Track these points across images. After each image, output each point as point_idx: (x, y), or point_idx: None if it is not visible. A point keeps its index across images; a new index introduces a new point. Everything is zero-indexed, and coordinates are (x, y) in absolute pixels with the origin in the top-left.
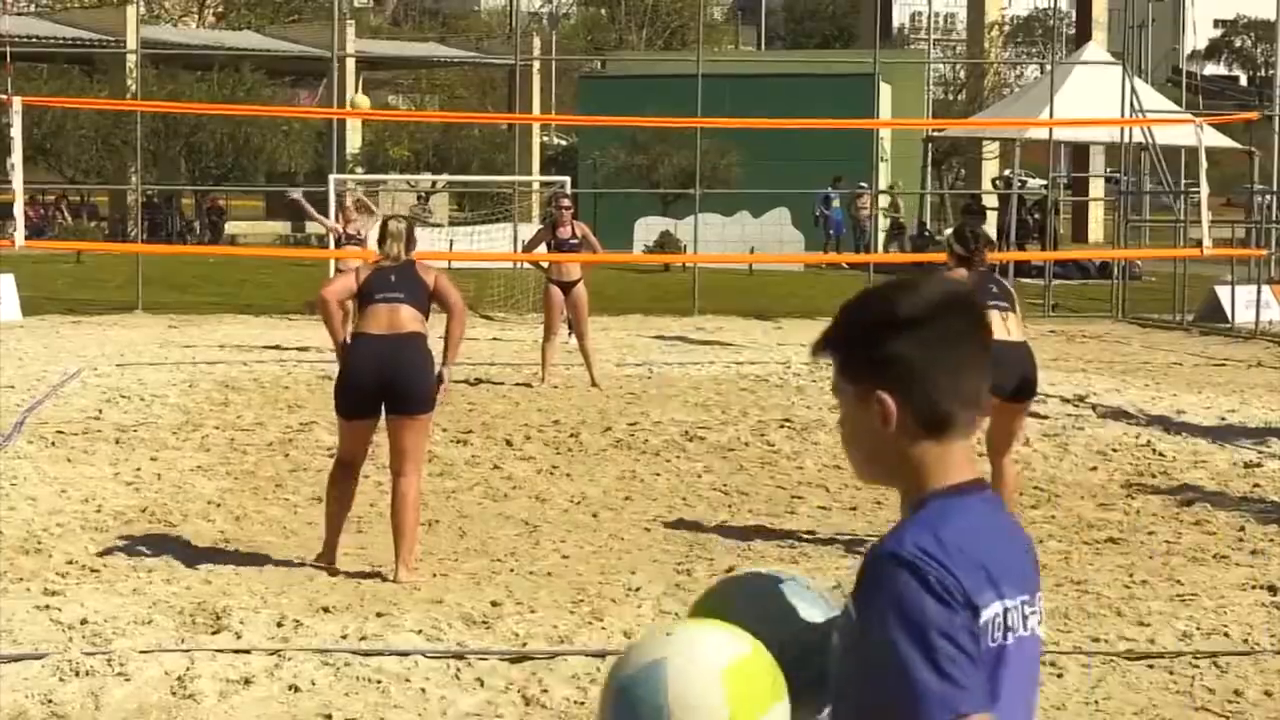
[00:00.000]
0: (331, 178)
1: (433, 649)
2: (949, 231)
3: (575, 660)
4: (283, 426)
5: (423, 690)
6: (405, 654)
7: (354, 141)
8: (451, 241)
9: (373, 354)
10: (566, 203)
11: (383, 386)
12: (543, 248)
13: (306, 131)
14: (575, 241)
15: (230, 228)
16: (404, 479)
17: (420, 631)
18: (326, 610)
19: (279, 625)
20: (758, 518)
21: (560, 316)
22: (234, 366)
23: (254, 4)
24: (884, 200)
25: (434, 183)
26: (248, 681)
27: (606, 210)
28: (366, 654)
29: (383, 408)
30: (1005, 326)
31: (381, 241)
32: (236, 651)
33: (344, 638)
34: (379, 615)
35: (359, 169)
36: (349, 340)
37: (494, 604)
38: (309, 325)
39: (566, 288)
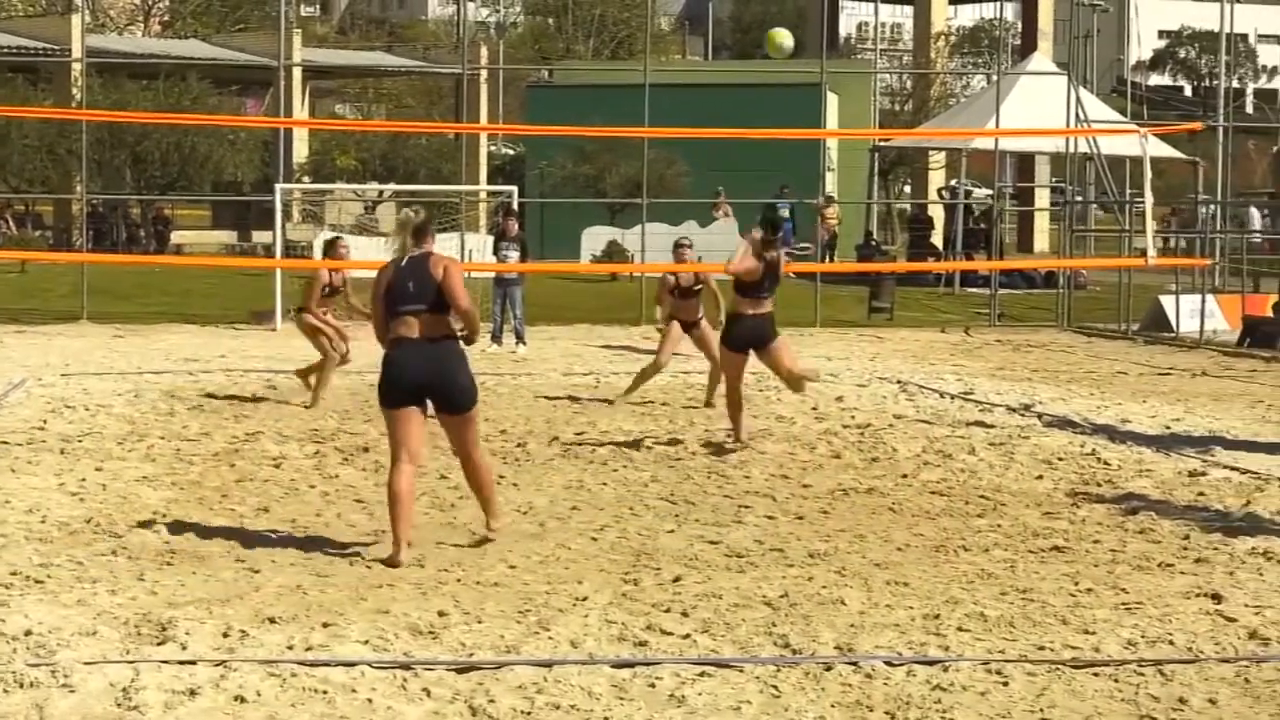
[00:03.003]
0: (278, 187)
1: (379, 659)
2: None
3: (522, 670)
4: (229, 437)
5: (369, 701)
6: (352, 664)
7: (300, 151)
8: None
9: (411, 357)
10: (687, 251)
11: (424, 389)
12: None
13: (253, 141)
14: (698, 288)
15: (176, 237)
16: (470, 461)
17: (367, 642)
18: (272, 621)
19: (225, 636)
20: (704, 527)
21: (672, 350)
22: (180, 376)
23: (200, 13)
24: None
25: (381, 192)
26: (193, 693)
27: (554, 220)
28: (313, 664)
29: (428, 404)
30: None
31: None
32: (182, 663)
33: (290, 648)
34: (325, 626)
35: (305, 178)
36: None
37: (441, 614)
38: (255, 335)
39: (689, 327)
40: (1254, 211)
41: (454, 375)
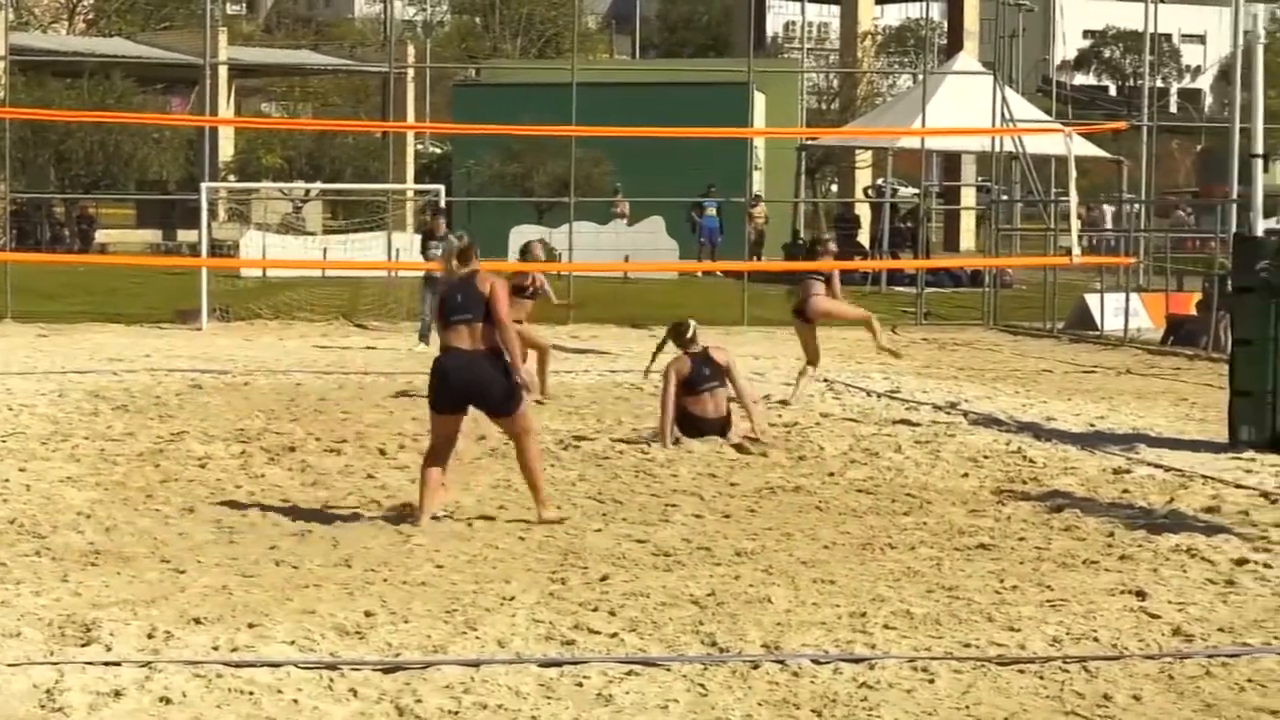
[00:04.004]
0: (203, 186)
1: (305, 660)
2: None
3: (449, 670)
4: (153, 437)
5: (295, 701)
6: (277, 665)
7: (226, 150)
8: (325, 250)
9: (458, 366)
10: (833, 247)
11: (469, 395)
12: (820, 286)
13: (178, 139)
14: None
15: (101, 236)
16: (519, 447)
17: (293, 642)
18: (198, 621)
19: (149, 637)
20: (632, 526)
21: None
22: (104, 376)
23: (125, 11)
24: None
25: (307, 191)
26: (118, 694)
27: (481, 219)
28: (238, 665)
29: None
30: None
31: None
32: (106, 664)
33: (215, 649)
34: (251, 626)
35: (231, 177)
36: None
37: (367, 614)
38: (181, 334)
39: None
40: (1106, 209)
41: (492, 383)
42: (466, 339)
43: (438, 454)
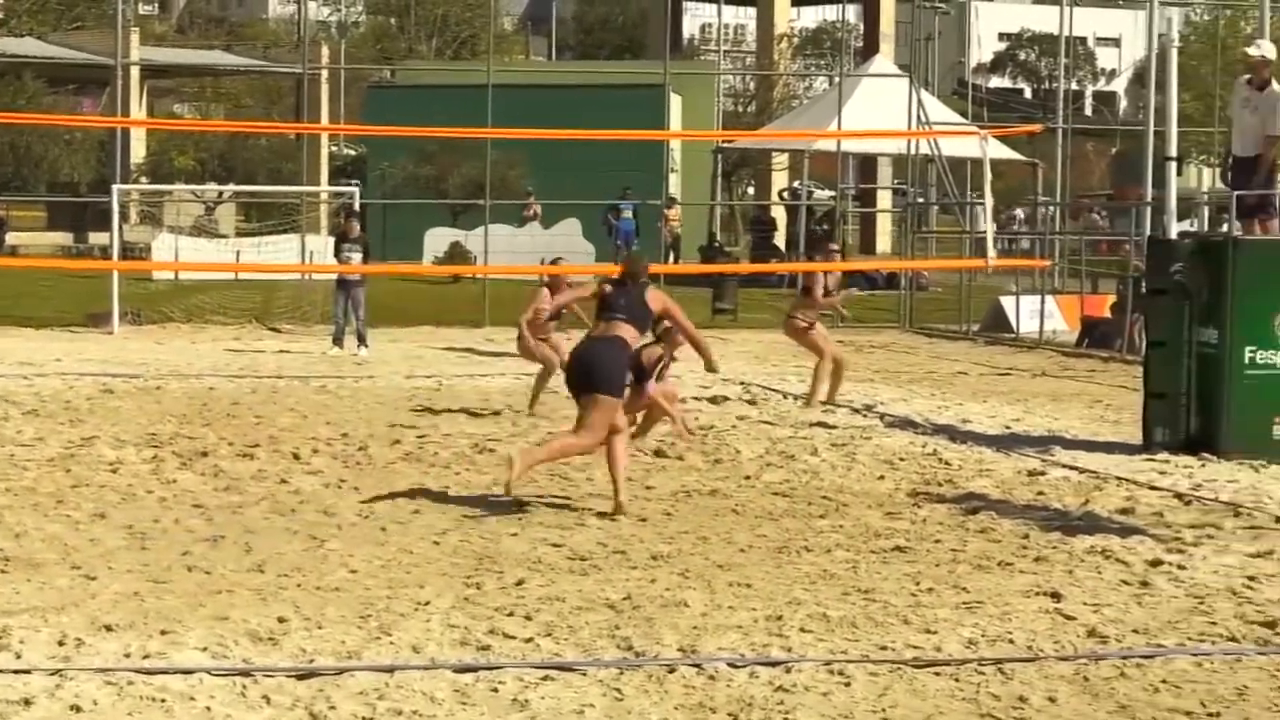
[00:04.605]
0: (115, 188)
1: (218, 666)
2: None
3: (363, 676)
4: (64, 442)
5: (208, 709)
6: (189, 672)
7: (138, 151)
8: (238, 253)
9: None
10: (835, 246)
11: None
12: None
13: (89, 141)
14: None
15: (11, 238)
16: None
17: (205, 649)
18: (109, 629)
19: (60, 644)
20: (548, 530)
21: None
22: (14, 380)
23: (35, 10)
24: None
25: (220, 193)
26: (28, 702)
27: (396, 221)
28: (150, 673)
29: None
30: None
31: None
32: (16, 672)
33: (127, 656)
34: (163, 633)
35: (143, 179)
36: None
37: (281, 620)
38: (92, 338)
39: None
40: (1019, 213)
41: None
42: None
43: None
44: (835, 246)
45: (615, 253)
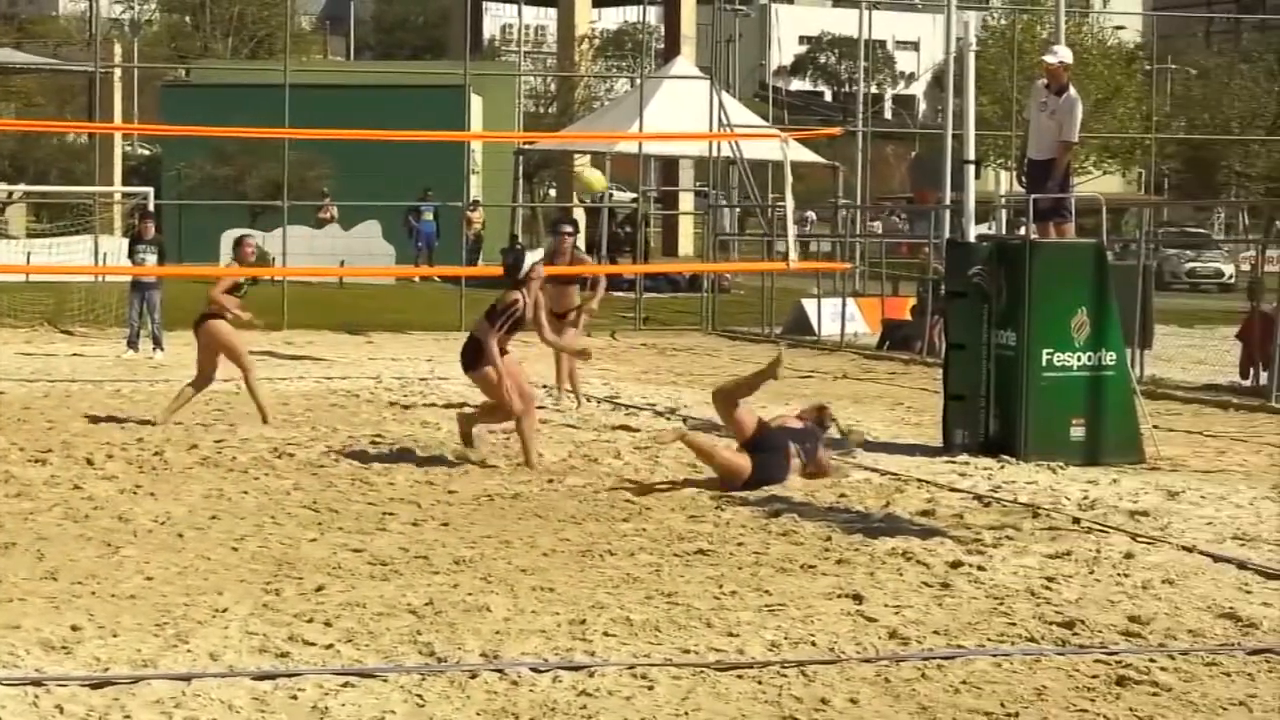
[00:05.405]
0: None
1: (9, 676)
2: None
3: (159, 685)
4: None
5: None
6: None
7: None
8: (29, 254)
9: None
10: (568, 229)
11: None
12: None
13: None
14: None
15: None
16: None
17: None
18: None
19: None
20: (348, 535)
21: None
22: None
23: None
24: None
25: (10, 193)
26: None
27: (192, 222)
28: None
29: None
30: None
31: None
32: None
33: None
34: None
35: None
36: None
37: (74, 628)
38: None
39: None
40: (811, 214)
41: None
42: None
43: None
44: (568, 229)
45: (416, 255)
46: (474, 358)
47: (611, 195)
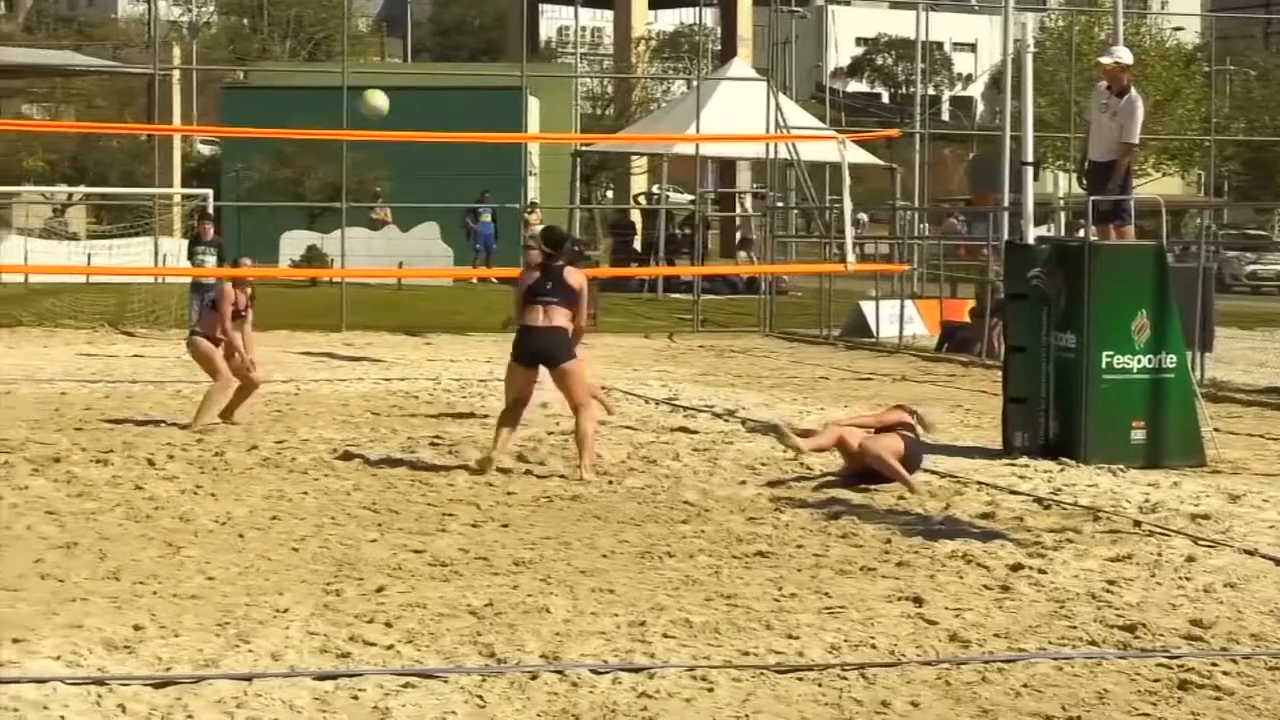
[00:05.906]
0: None
1: (72, 675)
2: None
3: (221, 684)
4: None
5: (62, 718)
6: (43, 681)
7: None
8: (90, 256)
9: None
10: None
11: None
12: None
13: None
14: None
15: None
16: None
17: (59, 658)
18: None
19: None
20: (408, 536)
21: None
22: None
23: None
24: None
25: (70, 195)
26: None
27: (251, 224)
28: (3, 682)
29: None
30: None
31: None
32: None
33: None
34: (15, 641)
35: None
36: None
37: (137, 628)
38: None
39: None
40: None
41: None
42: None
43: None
44: (533, 243)
45: (474, 258)
46: (564, 350)
47: (667, 198)
